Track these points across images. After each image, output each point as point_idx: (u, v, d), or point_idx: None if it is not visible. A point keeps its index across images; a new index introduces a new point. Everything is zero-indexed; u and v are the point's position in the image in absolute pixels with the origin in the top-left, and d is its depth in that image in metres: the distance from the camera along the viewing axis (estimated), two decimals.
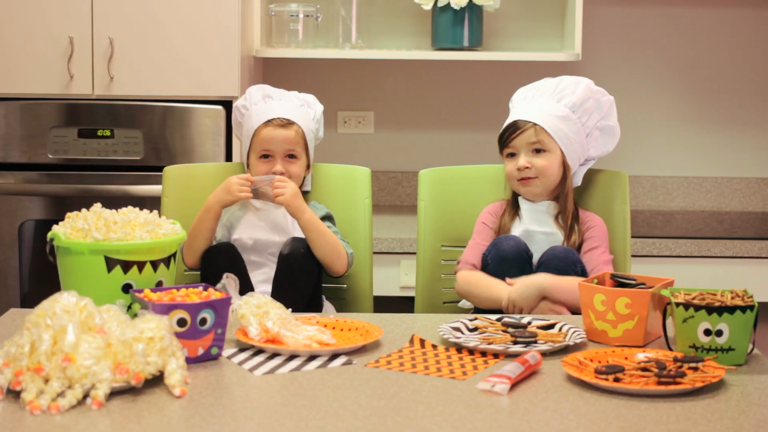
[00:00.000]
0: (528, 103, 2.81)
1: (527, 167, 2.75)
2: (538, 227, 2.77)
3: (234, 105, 2.94)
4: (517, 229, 2.78)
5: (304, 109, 2.90)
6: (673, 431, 1.77)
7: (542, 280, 2.62)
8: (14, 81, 3.54)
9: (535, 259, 2.72)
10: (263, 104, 2.86)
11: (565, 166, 2.78)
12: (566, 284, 2.60)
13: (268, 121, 2.83)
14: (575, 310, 2.58)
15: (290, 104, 2.87)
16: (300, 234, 2.78)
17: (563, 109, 2.76)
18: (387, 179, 4.15)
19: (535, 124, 2.75)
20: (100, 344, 1.89)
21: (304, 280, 2.71)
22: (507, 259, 2.68)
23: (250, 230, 2.82)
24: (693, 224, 3.86)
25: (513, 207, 2.82)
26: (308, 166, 2.89)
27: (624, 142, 4.07)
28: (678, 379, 1.94)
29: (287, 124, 2.83)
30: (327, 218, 2.84)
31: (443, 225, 2.94)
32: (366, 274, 2.92)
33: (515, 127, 2.77)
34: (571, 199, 2.79)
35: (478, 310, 2.72)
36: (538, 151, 2.76)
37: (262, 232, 2.81)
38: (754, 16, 4.10)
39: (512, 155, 2.79)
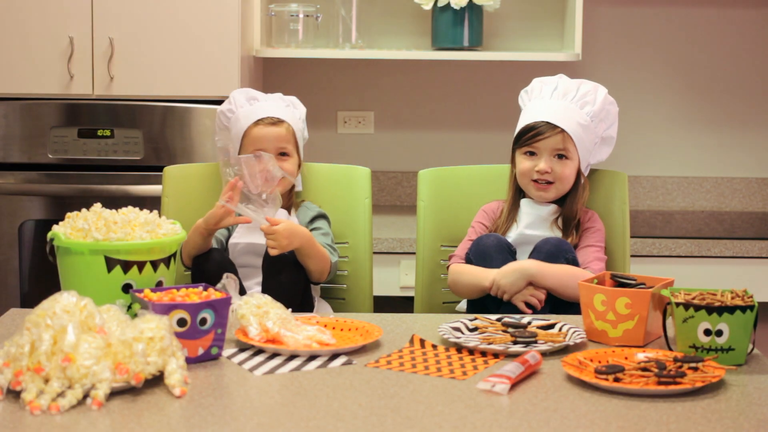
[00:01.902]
0: (554, 104, 2.76)
1: (548, 171, 2.73)
2: (534, 231, 2.75)
3: (218, 110, 2.91)
4: (512, 233, 2.76)
5: (290, 109, 2.89)
6: (673, 431, 1.77)
7: (529, 265, 2.60)
8: (14, 81, 3.54)
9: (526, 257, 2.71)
10: (249, 106, 2.86)
11: (578, 173, 2.76)
12: (553, 270, 2.59)
13: (258, 120, 2.82)
14: (565, 298, 2.58)
15: (276, 104, 2.87)
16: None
17: (585, 118, 2.74)
18: (387, 179, 4.15)
19: (563, 131, 2.72)
20: (100, 344, 1.89)
21: (290, 284, 2.69)
22: (489, 254, 2.66)
23: (246, 234, 2.81)
24: (693, 224, 3.86)
25: (512, 209, 2.80)
26: (299, 166, 2.88)
27: (624, 142, 4.08)
28: (678, 379, 1.94)
29: (277, 122, 2.83)
30: (320, 217, 2.83)
31: (443, 225, 2.94)
32: (366, 274, 2.92)
33: (542, 129, 2.72)
34: (581, 205, 2.77)
35: (471, 309, 2.72)
36: (560, 156, 2.73)
37: (258, 235, 2.80)
38: (754, 16, 4.10)
39: (531, 154, 2.75)
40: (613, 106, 2.80)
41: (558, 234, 2.74)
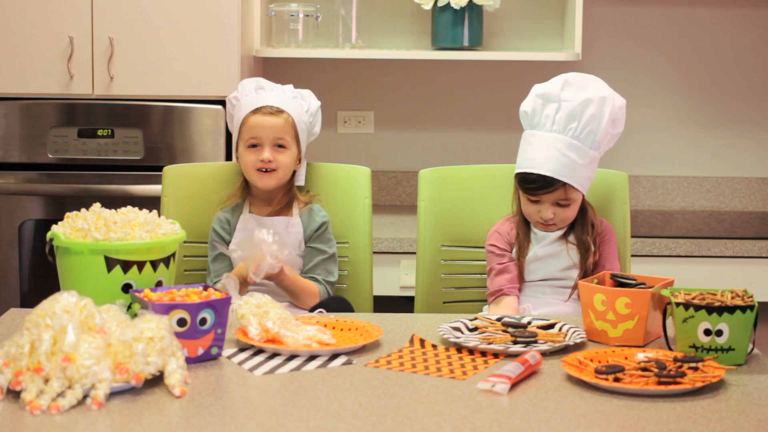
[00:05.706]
0: (553, 146, 2.61)
1: (551, 218, 2.66)
2: (547, 249, 2.72)
3: (227, 97, 2.92)
4: (530, 252, 2.72)
5: (296, 101, 2.88)
6: (673, 431, 1.77)
7: None
8: (14, 81, 3.54)
9: (538, 275, 2.72)
10: (255, 95, 2.85)
11: (583, 199, 2.71)
12: None
13: (257, 109, 2.81)
14: None
15: (282, 95, 2.86)
16: (294, 240, 2.80)
17: (588, 153, 2.63)
18: (387, 179, 4.15)
19: (566, 183, 2.62)
20: (100, 344, 1.89)
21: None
22: None
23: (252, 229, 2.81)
24: (693, 224, 3.86)
25: (526, 229, 2.73)
26: (299, 160, 2.87)
27: (624, 142, 4.08)
28: (678, 379, 1.94)
29: (276, 112, 2.81)
30: (324, 225, 2.82)
31: (443, 225, 2.93)
32: (366, 274, 2.92)
33: (543, 184, 2.62)
34: (590, 222, 2.72)
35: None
36: (562, 204, 2.66)
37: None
38: (755, 16, 4.10)
39: (534, 201, 2.67)
40: (621, 110, 2.66)
41: (567, 247, 2.71)
